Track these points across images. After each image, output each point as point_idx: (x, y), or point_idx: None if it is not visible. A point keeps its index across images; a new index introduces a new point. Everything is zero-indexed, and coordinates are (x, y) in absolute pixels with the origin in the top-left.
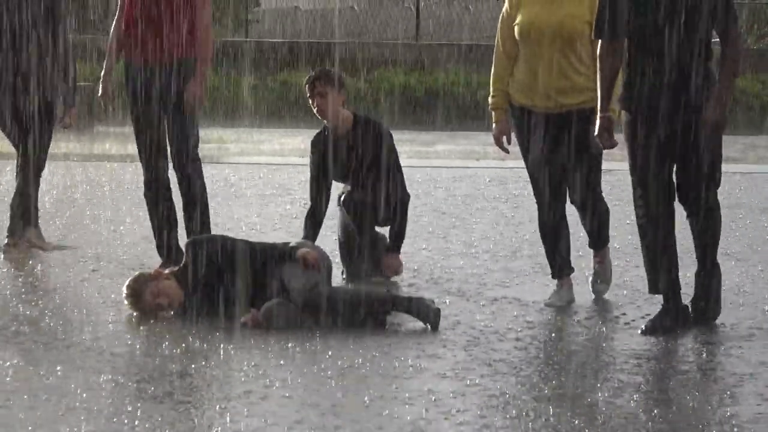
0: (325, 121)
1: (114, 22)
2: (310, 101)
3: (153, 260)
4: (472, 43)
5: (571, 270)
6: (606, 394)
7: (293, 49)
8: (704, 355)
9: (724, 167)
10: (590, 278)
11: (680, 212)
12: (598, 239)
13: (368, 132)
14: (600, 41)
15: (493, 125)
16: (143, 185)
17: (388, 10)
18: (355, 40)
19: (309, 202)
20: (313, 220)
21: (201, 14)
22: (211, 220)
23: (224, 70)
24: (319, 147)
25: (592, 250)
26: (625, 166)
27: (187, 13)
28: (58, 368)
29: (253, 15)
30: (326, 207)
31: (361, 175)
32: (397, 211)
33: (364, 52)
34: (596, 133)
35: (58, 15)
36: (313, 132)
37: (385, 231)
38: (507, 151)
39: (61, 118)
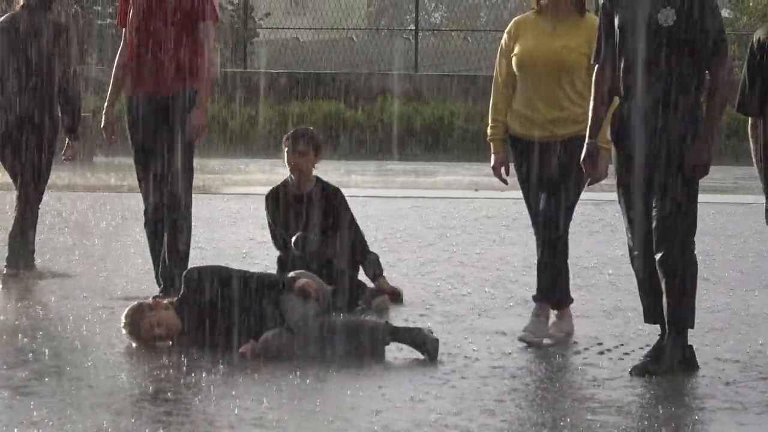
0: (291, 177)
1: (118, 54)
2: (287, 155)
3: (152, 290)
4: (471, 74)
5: (570, 300)
6: (604, 425)
7: (293, 80)
8: (705, 383)
9: (723, 198)
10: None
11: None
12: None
13: (328, 195)
14: (596, 67)
15: (492, 156)
16: (143, 215)
17: (387, 41)
18: (354, 71)
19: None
20: (284, 266)
21: (204, 45)
22: (190, 259)
23: (223, 100)
24: (273, 202)
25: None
26: None
27: (189, 44)
28: (54, 398)
29: (253, 46)
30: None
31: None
32: (364, 253)
33: (363, 83)
34: (581, 159)
35: (66, 48)
36: (319, 163)
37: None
38: (506, 182)
39: (64, 150)
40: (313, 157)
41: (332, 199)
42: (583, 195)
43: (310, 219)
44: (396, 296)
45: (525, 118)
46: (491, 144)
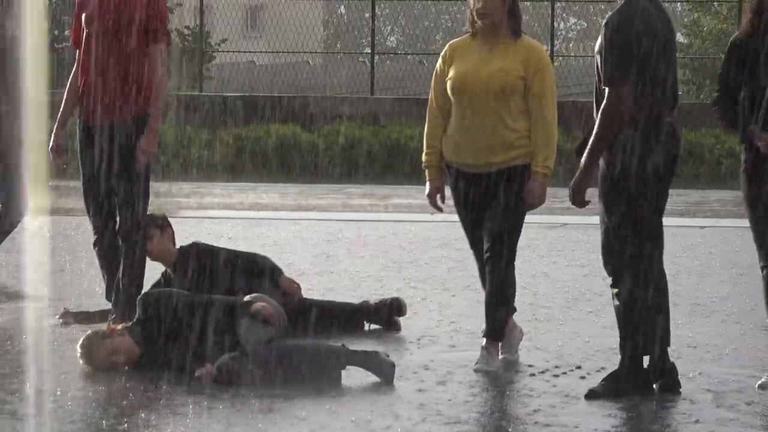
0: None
1: (71, 76)
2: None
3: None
4: (426, 97)
5: (513, 310)
6: None
7: (249, 104)
8: (660, 409)
9: (678, 221)
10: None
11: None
12: (495, 324)
13: (193, 255)
14: None
15: (427, 184)
16: (93, 235)
17: (342, 65)
18: (310, 95)
19: None
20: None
21: (156, 68)
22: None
23: (179, 124)
24: (167, 284)
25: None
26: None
27: (141, 69)
28: (16, 418)
29: (209, 70)
30: None
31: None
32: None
33: (319, 106)
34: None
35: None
36: (276, 186)
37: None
38: (441, 210)
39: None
40: (160, 236)
41: (196, 255)
42: (547, 218)
43: (190, 284)
44: (297, 288)
45: (459, 144)
46: (426, 171)
